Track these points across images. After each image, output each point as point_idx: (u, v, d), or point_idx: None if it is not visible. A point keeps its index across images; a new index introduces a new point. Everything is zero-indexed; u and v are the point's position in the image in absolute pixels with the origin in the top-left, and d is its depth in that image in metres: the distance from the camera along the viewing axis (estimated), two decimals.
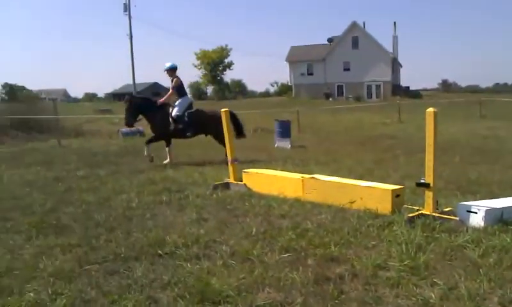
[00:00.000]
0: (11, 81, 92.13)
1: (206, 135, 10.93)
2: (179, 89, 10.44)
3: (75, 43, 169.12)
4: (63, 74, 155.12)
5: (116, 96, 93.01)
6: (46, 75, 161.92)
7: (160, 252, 4.17)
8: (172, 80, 10.40)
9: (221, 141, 10.48)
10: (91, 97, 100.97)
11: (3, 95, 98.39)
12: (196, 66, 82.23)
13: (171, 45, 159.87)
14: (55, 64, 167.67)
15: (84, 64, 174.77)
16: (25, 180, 8.12)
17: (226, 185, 7.04)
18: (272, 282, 3.42)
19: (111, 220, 5.36)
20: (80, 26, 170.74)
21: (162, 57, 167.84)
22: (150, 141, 10.49)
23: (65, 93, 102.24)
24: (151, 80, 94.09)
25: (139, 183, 7.58)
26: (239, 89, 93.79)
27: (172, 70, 10.41)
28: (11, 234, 4.91)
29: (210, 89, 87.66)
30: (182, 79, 10.48)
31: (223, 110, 7.42)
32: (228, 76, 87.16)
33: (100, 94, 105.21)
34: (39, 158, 11.14)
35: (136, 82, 55.16)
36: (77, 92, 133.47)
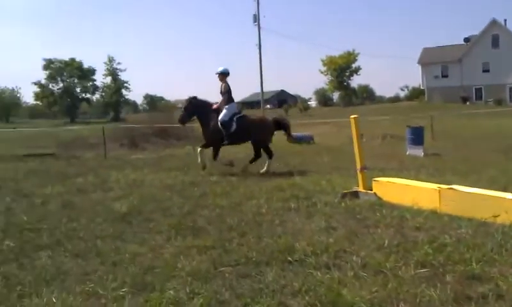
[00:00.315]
0: (152, 92, 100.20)
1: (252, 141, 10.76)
2: (228, 94, 10.49)
3: (207, 54, 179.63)
4: (196, 84, 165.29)
5: (245, 104, 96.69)
6: (183, 85, 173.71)
7: (290, 258, 4.19)
8: (222, 86, 10.53)
9: (259, 148, 10.61)
10: None
11: (145, 105, 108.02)
12: (322, 72, 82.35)
13: (297, 52, 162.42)
14: (190, 75, 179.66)
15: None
16: (165, 184, 8.73)
17: (355, 194, 6.86)
18: (408, 298, 3.25)
19: (243, 224, 5.53)
20: (212, 37, 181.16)
21: (289, 65, 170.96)
22: (213, 157, 10.56)
23: None
24: (278, 88, 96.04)
25: (268, 189, 7.72)
26: (366, 95, 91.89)
27: (223, 75, 10.51)
28: (153, 234, 5.30)
29: (336, 95, 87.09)
30: (230, 85, 10.53)
31: (352, 116, 7.24)
32: (355, 81, 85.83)
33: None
34: (176, 164, 11.93)
35: (264, 90, 56.73)
36: (211, 100, 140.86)
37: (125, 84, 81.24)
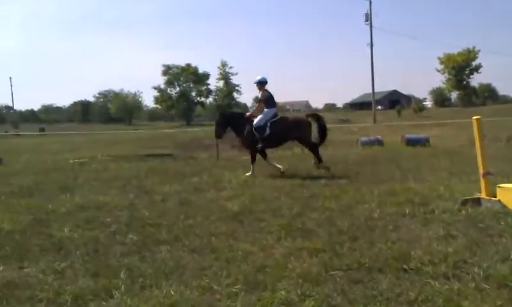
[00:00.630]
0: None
1: (292, 140, 11.15)
2: (267, 101, 10.85)
3: (315, 54, 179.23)
4: (305, 86, 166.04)
5: (354, 105, 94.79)
6: (291, 87, 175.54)
7: (405, 266, 4.03)
8: (260, 94, 10.97)
9: (307, 146, 10.98)
10: (330, 107, 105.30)
11: (254, 107, 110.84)
12: (439, 71, 78.17)
13: (411, 51, 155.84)
14: (297, 78, 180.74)
15: (325, 75, 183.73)
16: (274, 185, 8.84)
17: (477, 201, 6.38)
18: None
19: (354, 228, 5.40)
20: (320, 38, 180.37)
21: (402, 64, 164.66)
22: (253, 160, 10.78)
23: (307, 104, 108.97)
24: (389, 88, 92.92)
25: (380, 194, 7.48)
26: (488, 94, 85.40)
27: (261, 84, 10.93)
28: (263, 234, 5.38)
29: (454, 95, 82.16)
30: (270, 92, 10.94)
31: (474, 117, 6.74)
32: (476, 80, 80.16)
33: (339, 104, 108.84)
34: (285, 166, 12.01)
35: (375, 90, 55.27)
36: (318, 103, 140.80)
37: (237, 87, 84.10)
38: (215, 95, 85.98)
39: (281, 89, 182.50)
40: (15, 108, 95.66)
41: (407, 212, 6.13)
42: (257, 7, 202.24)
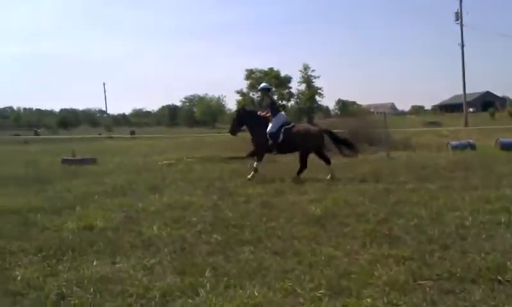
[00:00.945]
0: (344, 97, 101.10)
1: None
2: (271, 107, 10.99)
3: (401, 57, 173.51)
4: (391, 88, 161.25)
5: (444, 108, 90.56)
6: (374, 90, 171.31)
7: (500, 278, 3.80)
8: (264, 100, 11.33)
9: (301, 156, 10.64)
10: (417, 110, 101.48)
11: (337, 110, 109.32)
12: None
13: (505, 50, 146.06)
14: (383, 79, 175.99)
15: (412, 77, 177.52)
16: (358, 189, 8.63)
17: None
18: None
19: (444, 237, 5.15)
20: (409, 39, 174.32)
21: (496, 64, 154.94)
22: (258, 159, 10.85)
23: (392, 107, 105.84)
24: (482, 89, 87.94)
25: (472, 200, 7.06)
26: None
27: (264, 91, 11.36)
28: (347, 239, 5.27)
29: None
30: (273, 98, 11.35)
31: None
32: None
33: (427, 106, 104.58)
34: (369, 170, 11.73)
35: (467, 92, 52.39)
36: (404, 105, 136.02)
37: (319, 91, 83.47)
38: (296, 98, 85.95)
39: (365, 90, 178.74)
40: (108, 112, 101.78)
41: (502, 220, 5.75)
42: (339, 9, 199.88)
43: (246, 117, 11.57)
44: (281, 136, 10.66)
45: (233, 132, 11.63)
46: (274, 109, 11.16)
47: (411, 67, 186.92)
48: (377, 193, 8.18)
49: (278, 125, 10.75)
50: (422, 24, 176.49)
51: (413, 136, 23.66)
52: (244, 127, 11.54)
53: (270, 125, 10.81)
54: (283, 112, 11.31)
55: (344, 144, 11.22)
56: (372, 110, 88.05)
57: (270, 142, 10.72)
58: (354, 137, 20.26)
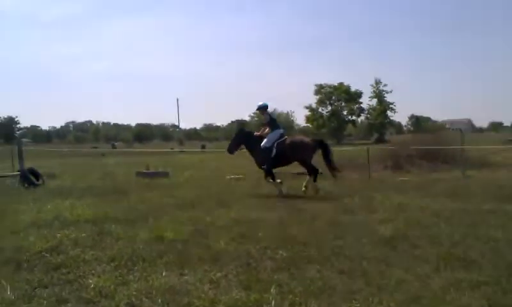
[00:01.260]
0: (417, 113, 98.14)
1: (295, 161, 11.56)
2: (270, 124, 11.63)
3: (472, 70, 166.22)
4: (468, 103, 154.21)
5: None
6: (451, 104, 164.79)
7: None
8: (263, 118, 11.87)
9: (307, 168, 11.13)
10: (496, 126, 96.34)
11: (409, 126, 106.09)
12: None
13: None
14: (459, 94, 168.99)
15: (491, 91, 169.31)
16: (431, 210, 8.29)
17: None
18: None
19: None
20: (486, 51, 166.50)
21: None
22: (268, 175, 11.40)
23: (469, 123, 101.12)
24: None
25: None
26: None
27: (262, 109, 11.77)
28: (419, 262, 5.07)
29: None
30: (271, 115, 11.99)
31: None
32: None
33: (506, 123, 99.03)
34: (443, 189, 11.25)
35: None
36: (482, 121, 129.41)
37: (391, 106, 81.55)
38: (367, 114, 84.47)
39: (440, 106, 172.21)
40: (180, 126, 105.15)
41: None
42: (420, 21, 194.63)
43: (244, 137, 12.29)
44: (274, 151, 11.28)
45: (231, 150, 12.33)
46: (273, 125, 11.74)
47: (491, 80, 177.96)
48: (453, 214, 7.82)
49: (271, 141, 11.38)
50: (502, 34, 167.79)
51: (491, 154, 22.42)
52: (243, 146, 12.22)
53: (264, 140, 11.45)
54: (281, 129, 11.83)
55: (330, 163, 11.36)
56: (447, 126, 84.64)
57: (264, 155, 11.29)
58: (428, 154, 19.56)
